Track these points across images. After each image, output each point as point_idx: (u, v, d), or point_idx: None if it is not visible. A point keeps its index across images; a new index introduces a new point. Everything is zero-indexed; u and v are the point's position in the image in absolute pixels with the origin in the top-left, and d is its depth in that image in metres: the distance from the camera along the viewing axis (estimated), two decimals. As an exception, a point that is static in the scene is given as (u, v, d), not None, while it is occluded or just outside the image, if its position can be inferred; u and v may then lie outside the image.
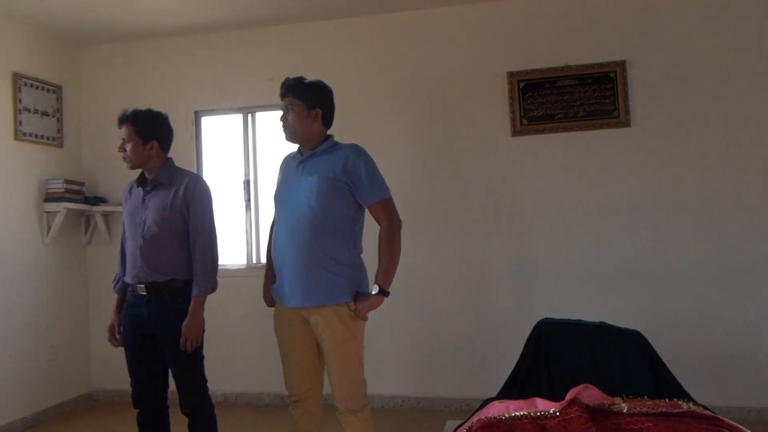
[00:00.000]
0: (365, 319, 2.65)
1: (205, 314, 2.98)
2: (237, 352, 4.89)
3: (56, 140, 4.91)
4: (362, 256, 2.77)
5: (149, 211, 2.90)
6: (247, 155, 4.99)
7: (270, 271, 2.88)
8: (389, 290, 2.63)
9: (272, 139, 4.94)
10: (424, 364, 4.62)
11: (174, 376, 2.96)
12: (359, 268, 2.72)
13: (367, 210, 2.75)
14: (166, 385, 3.05)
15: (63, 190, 4.72)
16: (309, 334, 2.70)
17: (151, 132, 2.92)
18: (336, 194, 2.63)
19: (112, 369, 4.83)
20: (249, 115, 5.00)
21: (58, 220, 4.73)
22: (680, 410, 2.13)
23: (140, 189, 2.98)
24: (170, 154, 3.06)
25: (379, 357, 4.52)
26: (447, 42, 4.63)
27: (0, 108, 4.41)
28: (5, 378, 4.34)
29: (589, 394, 2.25)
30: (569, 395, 2.20)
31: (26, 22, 4.64)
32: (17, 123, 4.52)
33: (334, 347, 2.63)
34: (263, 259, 4.93)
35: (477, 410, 2.60)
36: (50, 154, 4.85)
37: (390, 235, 2.67)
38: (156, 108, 3.03)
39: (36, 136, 4.70)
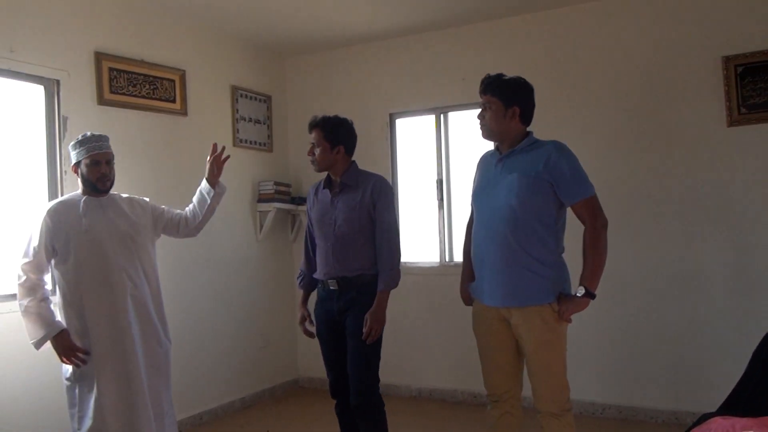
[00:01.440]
0: (569, 321, 2.56)
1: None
2: (430, 348, 4.97)
3: (266, 145, 5.36)
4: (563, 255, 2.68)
5: (339, 212, 3.06)
6: (439, 155, 5.06)
7: (468, 269, 2.88)
8: (595, 293, 2.51)
9: (465, 138, 4.95)
10: (627, 371, 4.35)
11: (349, 367, 3.02)
12: (562, 267, 2.62)
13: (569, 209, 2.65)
14: None
15: (273, 191, 5.13)
16: (509, 333, 2.66)
17: (338, 137, 3.07)
18: (537, 192, 2.56)
19: (316, 358, 5.13)
20: (442, 116, 5.07)
21: (269, 218, 5.16)
22: None
23: (327, 191, 3.14)
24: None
25: (579, 360, 4.33)
26: (652, 28, 4.31)
27: (222, 118, 4.92)
28: (227, 361, 4.82)
29: (835, 417, 1.98)
30: (811, 417, 1.95)
31: (240, 39, 5.11)
32: (235, 131, 5.01)
33: (537, 349, 2.57)
34: (456, 258, 4.97)
35: (694, 425, 2.40)
36: (262, 158, 5.31)
37: (596, 235, 2.54)
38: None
39: (250, 142, 5.17)
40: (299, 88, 5.60)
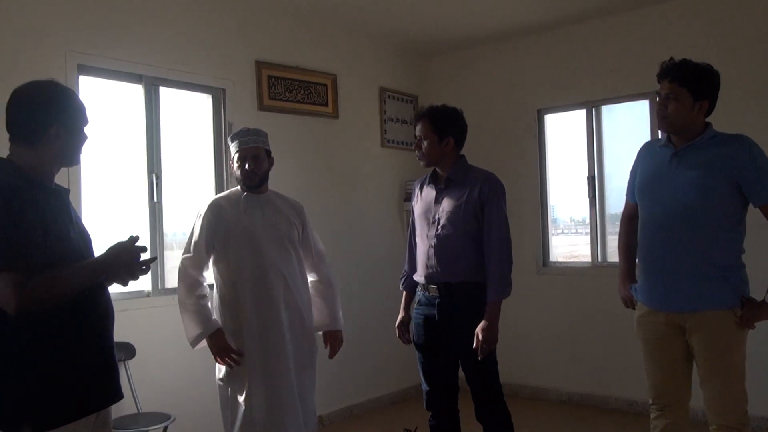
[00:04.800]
0: (753, 327, 2.36)
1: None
2: (582, 351, 4.78)
3: (413, 145, 5.40)
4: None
5: (443, 210, 2.84)
6: (590, 150, 4.85)
7: (627, 268, 2.73)
8: (788, 299, 2.31)
9: (619, 132, 4.72)
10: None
11: (468, 382, 2.86)
12: (743, 270, 2.43)
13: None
14: (457, 389, 2.97)
15: (419, 190, 5.19)
16: (681, 339, 2.49)
17: (446, 128, 2.86)
18: (722, 191, 2.37)
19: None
20: (593, 110, 4.86)
21: (415, 217, 5.21)
22: None
23: (432, 186, 2.93)
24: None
25: (753, 371, 3.99)
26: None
27: (370, 119, 5.05)
28: (376, 357, 4.93)
29: None
30: None
31: (388, 41, 5.20)
32: (383, 131, 5.13)
33: (715, 357, 2.39)
34: (609, 258, 4.75)
35: None
36: (408, 157, 5.36)
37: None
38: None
39: (397, 143, 5.27)
40: (444, 87, 5.60)
